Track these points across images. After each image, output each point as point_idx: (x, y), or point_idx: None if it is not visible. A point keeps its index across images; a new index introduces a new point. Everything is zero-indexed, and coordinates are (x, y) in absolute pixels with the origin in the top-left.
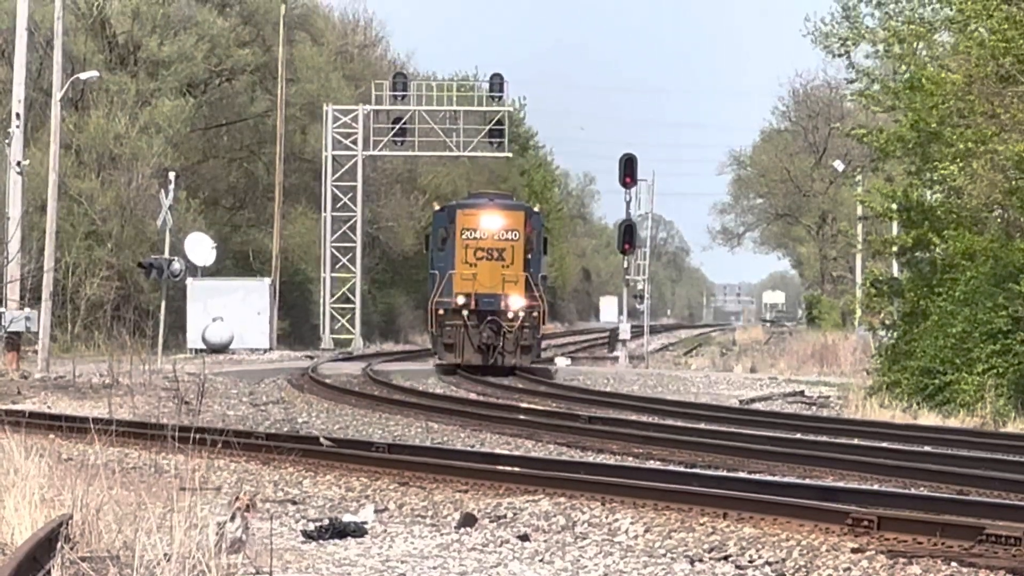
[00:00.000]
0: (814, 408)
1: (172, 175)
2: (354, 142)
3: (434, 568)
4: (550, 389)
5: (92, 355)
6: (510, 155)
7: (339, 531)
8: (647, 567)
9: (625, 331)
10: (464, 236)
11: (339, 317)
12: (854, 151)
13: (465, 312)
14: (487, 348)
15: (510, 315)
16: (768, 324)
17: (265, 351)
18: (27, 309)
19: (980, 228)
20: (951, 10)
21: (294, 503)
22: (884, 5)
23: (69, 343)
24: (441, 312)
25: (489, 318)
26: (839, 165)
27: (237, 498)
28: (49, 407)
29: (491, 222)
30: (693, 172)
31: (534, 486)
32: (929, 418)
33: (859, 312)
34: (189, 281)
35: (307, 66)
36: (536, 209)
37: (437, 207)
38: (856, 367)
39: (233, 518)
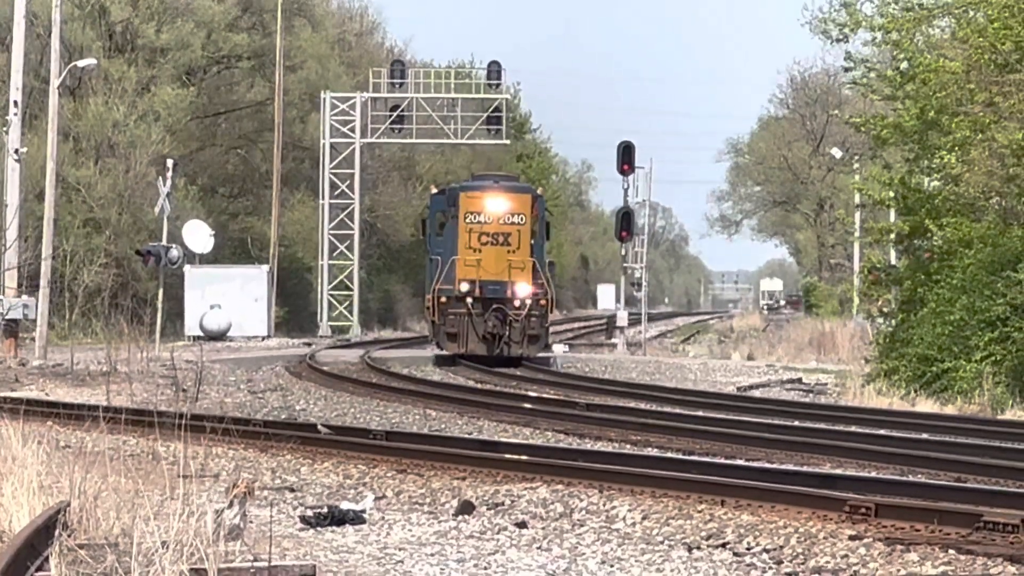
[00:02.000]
0: (812, 395)
1: (170, 163)
2: (352, 130)
3: (432, 555)
4: (548, 376)
5: (90, 343)
6: (508, 142)
7: (338, 519)
8: (645, 554)
9: (623, 319)
10: (468, 220)
11: (337, 304)
12: (852, 138)
13: (469, 300)
14: (492, 338)
15: (516, 303)
16: (766, 311)
17: (263, 338)
18: (25, 297)
19: (978, 216)
20: None
21: (292, 490)
22: None
23: (67, 331)
24: (443, 300)
25: (494, 306)
26: (837, 152)
27: (235, 485)
28: (47, 394)
29: (496, 205)
30: (692, 160)
31: (532, 473)
32: (927, 405)
33: (857, 300)
34: (187, 268)
35: (305, 53)
36: (539, 192)
37: (434, 190)
38: (854, 354)
39: (231, 505)
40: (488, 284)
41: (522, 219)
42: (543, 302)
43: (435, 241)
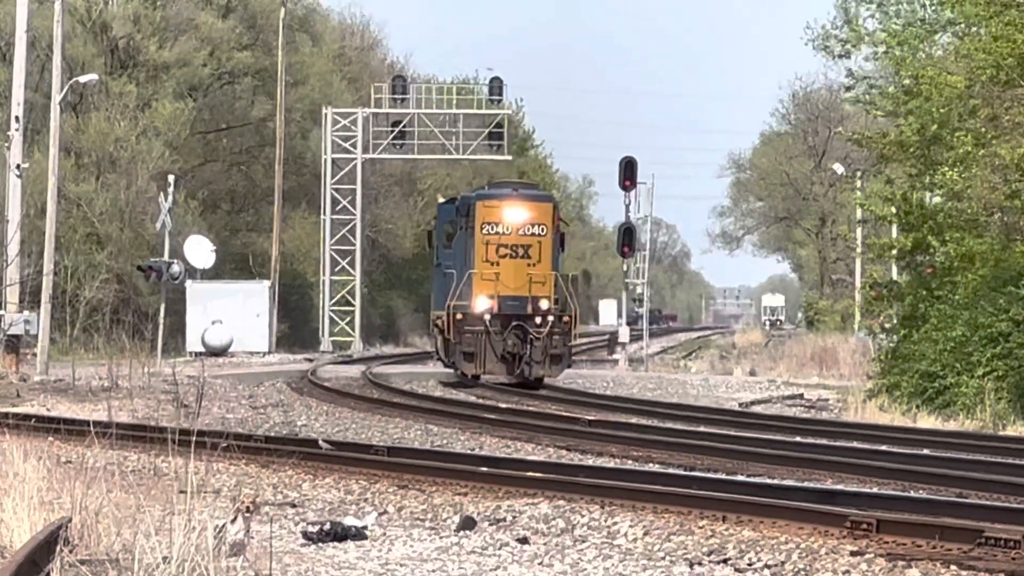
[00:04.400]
0: (813, 411)
1: (171, 178)
2: (353, 145)
3: (433, 571)
4: (549, 392)
5: (91, 358)
6: (510, 158)
7: (339, 535)
8: (646, 570)
9: (624, 334)
10: (485, 231)
11: (338, 320)
12: (854, 154)
13: (487, 317)
14: (512, 357)
15: (538, 320)
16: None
17: (264, 354)
18: (26, 312)
19: (980, 232)
20: (951, 12)
21: (293, 506)
22: (884, 7)
23: (68, 346)
24: (459, 317)
25: (514, 323)
26: (839, 168)
27: (240, 501)
28: (48, 410)
29: (515, 215)
30: (693, 175)
31: (533, 489)
32: (928, 421)
33: (858, 315)
34: (188, 284)
35: (307, 69)
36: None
37: (441, 199)
38: (856, 370)
39: (234, 521)
40: (507, 300)
41: (543, 230)
42: (566, 319)
43: (443, 254)
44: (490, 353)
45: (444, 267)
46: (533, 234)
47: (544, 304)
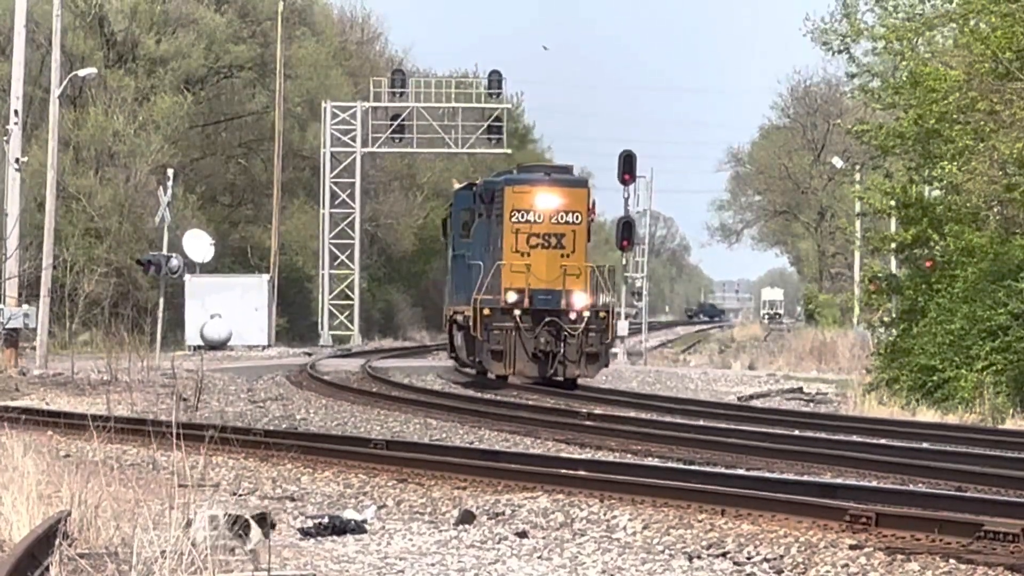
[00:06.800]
0: (812, 405)
1: (170, 172)
2: (353, 139)
3: (432, 565)
4: (548, 386)
5: (90, 352)
6: (509, 151)
7: (339, 529)
8: (645, 564)
9: (623, 328)
10: (514, 219)
11: (338, 314)
12: (853, 147)
13: (517, 312)
14: (544, 356)
15: (572, 316)
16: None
17: (263, 348)
18: (26, 306)
19: (979, 225)
20: (951, 4)
21: (292, 500)
22: (883, 2)
23: (67, 340)
24: (487, 312)
25: (547, 319)
26: (838, 162)
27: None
28: (47, 404)
29: (548, 201)
30: (693, 169)
31: (532, 483)
32: (927, 415)
33: (858, 309)
34: (187, 278)
35: (306, 63)
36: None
37: (458, 185)
38: (855, 364)
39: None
40: (539, 293)
41: (577, 218)
42: (603, 314)
43: (460, 243)
44: (521, 351)
45: (465, 258)
46: (567, 222)
47: (579, 298)
